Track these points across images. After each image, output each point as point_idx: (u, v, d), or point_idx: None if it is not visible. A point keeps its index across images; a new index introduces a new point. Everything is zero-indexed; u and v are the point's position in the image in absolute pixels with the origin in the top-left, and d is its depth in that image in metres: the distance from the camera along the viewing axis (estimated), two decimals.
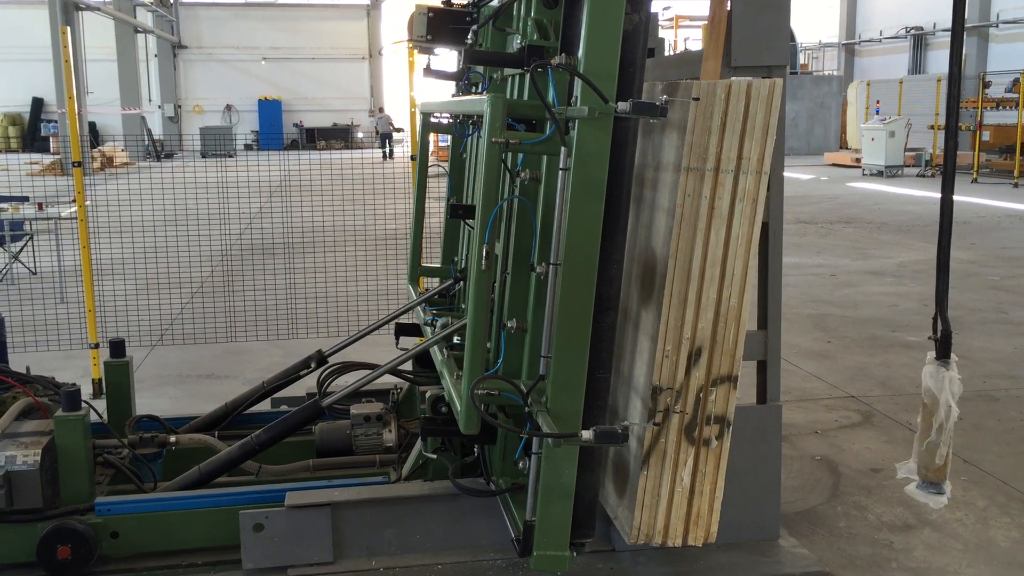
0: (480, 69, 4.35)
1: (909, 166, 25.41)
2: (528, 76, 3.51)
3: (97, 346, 6.63)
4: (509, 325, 3.45)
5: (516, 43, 3.68)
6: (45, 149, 33.32)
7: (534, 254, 3.42)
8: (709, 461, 3.65)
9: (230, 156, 22.73)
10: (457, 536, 3.95)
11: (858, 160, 26.58)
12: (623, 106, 2.98)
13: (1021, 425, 5.87)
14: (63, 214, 10.09)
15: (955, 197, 3.76)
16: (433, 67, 4.66)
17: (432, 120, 5.07)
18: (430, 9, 4.18)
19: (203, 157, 25.18)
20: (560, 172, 3.10)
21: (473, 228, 4.24)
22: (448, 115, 4.94)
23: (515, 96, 3.87)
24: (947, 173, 3.71)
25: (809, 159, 31.15)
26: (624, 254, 3.40)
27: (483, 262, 3.07)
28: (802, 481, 5.02)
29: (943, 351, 3.70)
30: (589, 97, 3.02)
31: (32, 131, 38.31)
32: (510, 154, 3.51)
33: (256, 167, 8.37)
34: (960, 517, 4.55)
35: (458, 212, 4.13)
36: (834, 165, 28.83)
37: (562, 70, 3.16)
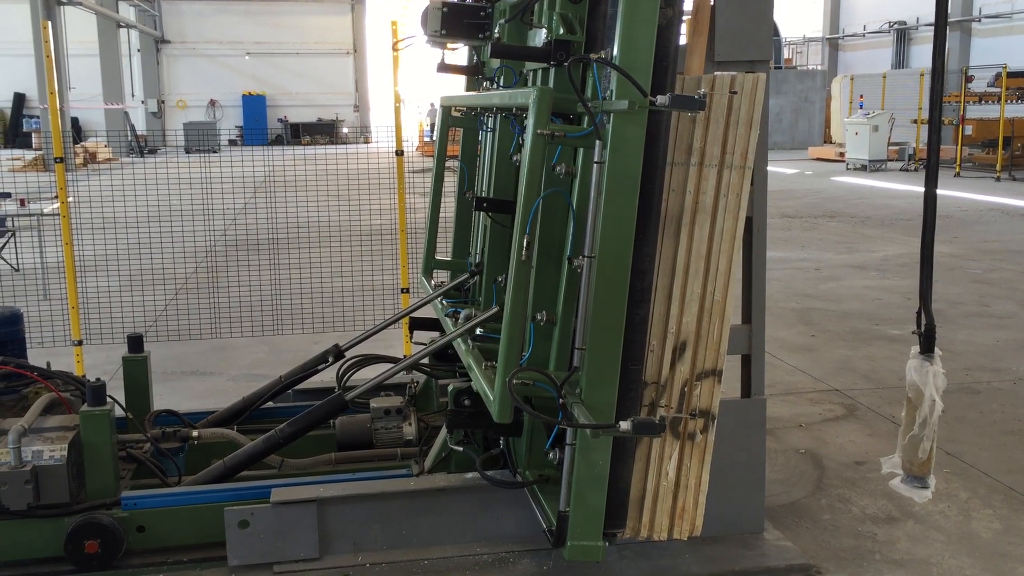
0: (497, 63, 4.31)
1: (892, 160, 25.56)
2: (554, 71, 3.54)
3: (81, 343, 6.60)
4: (538, 317, 3.46)
5: (540, 37, 3.67)
6: (27, 145, 32.97)
7: (567, 247, 3.42)
8: (694, 455, 3.67)
9: (214, 152, 22.60)
10: (444, 531, 3.95)
11: (842, 154, 26.71)
12: (662, 100, 2.96)
13: (1003, 417, 5.92)
14: (46, 210, 10.02)
15: (938, 191, 3.78)
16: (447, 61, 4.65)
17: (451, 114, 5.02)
18: (444, 4, 4.16)
19: (187, 153, 25.01)
20: (595, 165, 3.10)
21: (495, 221, 4.24)
22: (463, 108, 4.92)
23: None
24: (931, 168, 3.73)
25: (793, 153, 31.27)
26: (656, 247, 3.40)
27: (523, 252, 3.08)
28: (786, 474, 5.05)
29: (927, 345, 3.72)
30: (626, 91, 3.01)
31: (14, 126, 37.99)
32: None
33: (240, 163, 8.33)
34: (943, 509, 4.58)
35: (483, 205, 4.11)
36: (818, 159, 28.96)
37: (601, 64, 3.15)
